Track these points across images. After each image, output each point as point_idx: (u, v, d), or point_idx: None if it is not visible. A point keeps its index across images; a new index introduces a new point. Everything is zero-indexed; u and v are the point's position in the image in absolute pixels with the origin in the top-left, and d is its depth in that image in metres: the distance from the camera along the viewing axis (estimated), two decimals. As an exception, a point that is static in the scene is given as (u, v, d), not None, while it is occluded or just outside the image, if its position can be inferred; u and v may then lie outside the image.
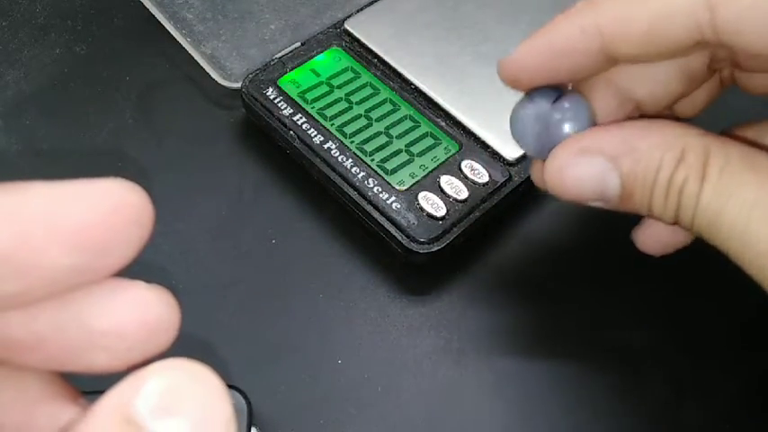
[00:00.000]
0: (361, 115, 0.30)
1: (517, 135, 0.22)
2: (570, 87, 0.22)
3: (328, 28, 0.33)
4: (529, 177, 0.29)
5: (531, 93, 0.22)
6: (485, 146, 0.29)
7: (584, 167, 0.20)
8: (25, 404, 0.13)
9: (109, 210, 0.12)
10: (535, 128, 0.21)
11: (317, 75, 0.31)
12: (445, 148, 0.29)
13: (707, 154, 0.19)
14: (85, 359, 0.13)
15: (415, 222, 0.27)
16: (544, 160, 0.21)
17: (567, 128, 0.21)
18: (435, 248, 0.27)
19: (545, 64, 0.20)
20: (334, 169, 0.29)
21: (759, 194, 0.18)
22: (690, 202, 0.19)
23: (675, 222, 0.19)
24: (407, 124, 0.30)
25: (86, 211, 0.12)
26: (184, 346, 0.28)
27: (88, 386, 0.14)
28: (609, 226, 0.31)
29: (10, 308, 0.12)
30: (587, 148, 0.20)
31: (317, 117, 0.30)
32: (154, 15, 0.35)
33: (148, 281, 0.13)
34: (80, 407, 0.14)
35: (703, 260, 0.30)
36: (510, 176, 0.29)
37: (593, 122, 0.21)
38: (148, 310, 0.13)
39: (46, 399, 0.13)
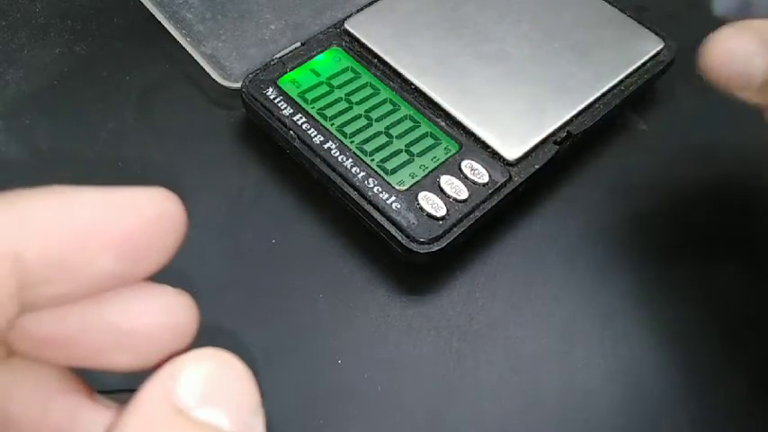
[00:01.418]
0: (361, 115, 0.30)
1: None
2: None
3: (328, 28, 0.33)
4: (529, 177, 0.29)
5: None
6: (485, 146, 0.29)
7: (736, 40, 0.20)
8: (42, 398, 0.13)
9: (153, 219, 0.13)
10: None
11: (317, 75, 0.31)
12: (445, 148, 0.29)
13: None
14: (110, 358, 0.13)
15: (415, 222, 0.27)
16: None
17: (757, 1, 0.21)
18: (435, 248, 0.27)
19: None
20: (334, 169, 0.29)
21: None
22: None
23: None
24: (407, 124, 0.30)
25: (134, 220, 0.13)
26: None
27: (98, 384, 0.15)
28: (609, 226, 0.31)
29: (50, 306, 0.12)
30: (748, 27, 0.20)
31: (317, 117, 0.30)
32: (154, 15, 0.35)
33: (172, 285, 0.14)
34: (96, 403, 0.14)
35: (701, 266, 0.30)
36: (510, 176, 0.29)
37: None
38: (172, 314, 0.14)
39: (63, 393, 0.14)
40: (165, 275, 0.29)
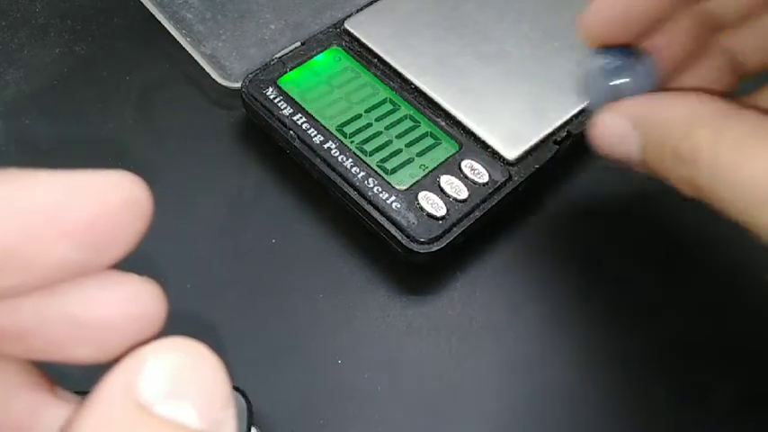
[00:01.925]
0: (361, 115, 0.30)
1: (582, 86, 0.23)
2: (642, 49, 0.22)
3: (328, 28, 0.33)
4: (529, 177, 0.29)
5: (604, 49, 0.22)
6: (485, 146, 0.29)
7: (610, 124, 0.22)
8: (1, 394, 0.13)
9: (116, 204, 0.12)
10: (597, 82, 0.22)
11: (317, 75, 0.31)
12: (445, 148, 0.29)
13: (723, 124, 0.19)
14: (71, 351, 0.12)
15: (415, 222, 0.27)
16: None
17: (623, 86, 0.22)
18: (435, 248, 0.27)
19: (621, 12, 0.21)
20: (334, 169, 0.29)
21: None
22: (703, 169, 0.19)
23: (689, 189, 0.20)
24: (407, 124, 0.30)
25: (95, 205, 0.12)
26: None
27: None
28: (609, 226, 0.31)
29: (2, 298, 0.12)
30: (618, 108, 0.21)
31: (317, 117, 0.30)
32: (154, 15, 0.35)
33: (140, 273, 0.13)
34: (58, 398, 0.13)
35: (702, 264, 0.30)
36: (510, 176, 0.29)
37: (656, 86, 0.22)
38: (137, 303, 0.13)
39: (23, 388, 0.13)
40: (165, 275, 0.29)
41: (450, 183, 0.28)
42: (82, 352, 0.12)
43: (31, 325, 0.12)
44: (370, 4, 0.34)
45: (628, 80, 0.22)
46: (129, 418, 0.11)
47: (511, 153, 0.29)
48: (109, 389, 0.11)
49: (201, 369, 0.12)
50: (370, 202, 0.28)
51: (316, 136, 0.29)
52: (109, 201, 0.12)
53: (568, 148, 0.30)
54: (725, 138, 0.19)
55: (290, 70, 0.31)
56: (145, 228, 0.13)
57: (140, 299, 0.13)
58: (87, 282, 0.12)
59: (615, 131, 0.21)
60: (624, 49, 0.22)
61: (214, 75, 0.33)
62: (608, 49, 0.22)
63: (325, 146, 0.29)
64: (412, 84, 0.31)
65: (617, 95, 0.22)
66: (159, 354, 0.12)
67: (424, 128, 0.30)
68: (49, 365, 0.14)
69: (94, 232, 0.12)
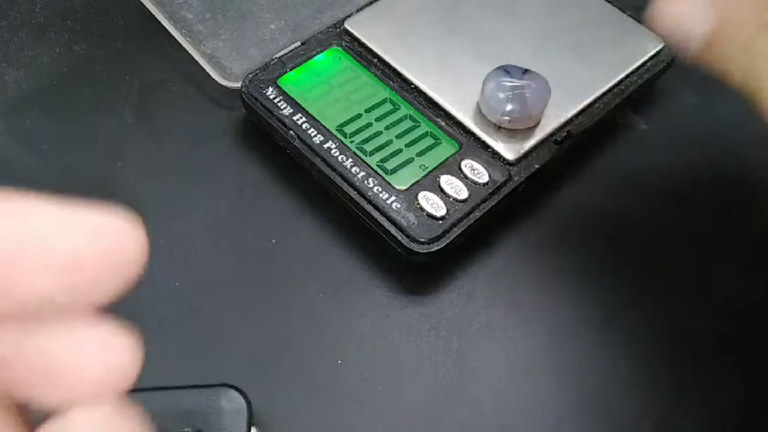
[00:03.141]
0: (361, 115, 0.30)
1: (487, 95, 0.29)
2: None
3: (328, 28, 0.33)
4: (529, 177, 0.29)
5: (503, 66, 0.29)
6: (485, 146, 0.29)
7: (684, 4, 0.22)
8: None
9: (110, 246, 0.12)
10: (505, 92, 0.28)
11: (317, 75, 0.31)
12: (445, 148, 0.29)
13: None
14: (37, 391, 0.12)
15: (415, 222, 0.27)
16: (499, 120, 0.29)
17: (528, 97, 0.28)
18: (435, 248, 0.27)
19: None
20: (334, 169, 0.28)
21: None
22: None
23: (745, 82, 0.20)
24: (407, 124, 0.30)
25: (87, 245, 0.11)
26: (185, 346, 0.28)
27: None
28: (609, 226, 0.31)
29: None
30: None
31: (317, 117, 0.30)
32: (154, 15, 0.35)
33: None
34: None
35: (700, 265, 0.30)
36: (510, 176, 0.29)
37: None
38: (113, 354, 0.12)
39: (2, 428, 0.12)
40: (165, 275, 0.29)
41: (450, 183, 0.28)
42: (52, 395, 0.12)
43: (3, 354, 0.12)
44: (370, 4, 0.34)
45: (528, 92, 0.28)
46: None
47: (511, 153, 0.29)
48: None
49: None
50: (370, 202, 0.28)
51: (316, 136, 0.29)
52: (100, 240, 0.11)
53: (568, 148, 0.30)
54: None
55: (290, 70, 0.31)
56: (135, 274, 0.12)
57: (115, 349, 0.12)
58: (68, 322, 0.12)
59: (686, 7, 0.21)
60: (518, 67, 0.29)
61: (214, 75, 0.33)
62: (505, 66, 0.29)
63: (326, 146, 0.29)
64: (412, 84, 0.31)
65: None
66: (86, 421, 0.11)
67: (424, 128, 0.30)
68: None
69: (81, 272, 0.11)
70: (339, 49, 0.32)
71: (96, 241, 0.11)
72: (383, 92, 0.31)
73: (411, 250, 0.27)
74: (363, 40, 0.32)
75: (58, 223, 0.11)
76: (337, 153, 0.29)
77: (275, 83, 0.31)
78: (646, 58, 0.32)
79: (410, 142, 0.29)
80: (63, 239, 0.11)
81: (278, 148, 0.31)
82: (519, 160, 0.29)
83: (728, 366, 0.27)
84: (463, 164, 0.29)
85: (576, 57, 0.32)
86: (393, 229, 0.27)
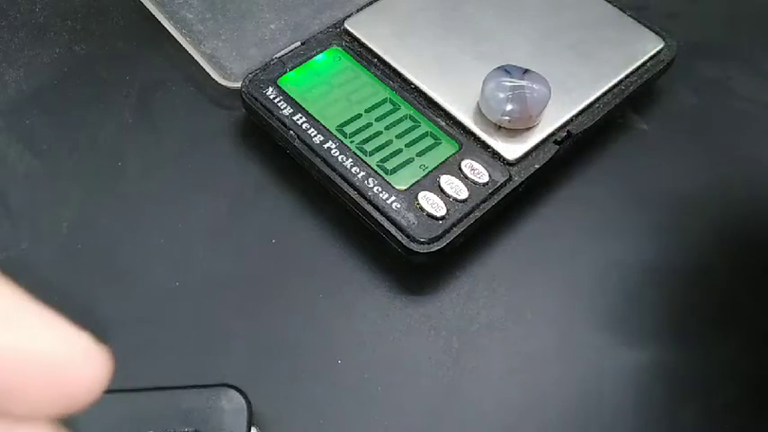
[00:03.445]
0: (361, 115, 0.30)
1: (487, 95, 0.29)
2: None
3: (328, 27, 0.33)
4: (529, 177, 0.29)
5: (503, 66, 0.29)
6: (485, 146, 0.29)
7: None
8: None
9: (66, 377, 0.11)
10: (505, 92, 0.28)
11: (317, 74, 0.31)
12: (445, 148, 0.29)
13: None
14: None
15: (415, 222, 0.27)
16: (499, 120, 0.29)
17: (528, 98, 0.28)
18: (435, 248, 0.27)
19: None
20: (334, 169, 0.28)
21: None
22: None
23: None
24: (407, 124, 0.30)
25: (42, 366, 0.11)
26: (185, 346, 0.28)
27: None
28: (609, 226, 0.31)
29: None
30: None
31: (317, 117, 0.30)
32: (154, 15, 0.35)
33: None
34: None
35: (700, 266, 0.30)
36: (510, 176, 0.29)
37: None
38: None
39: None
40: (165, 275, 0.29)
41: (450, 183, 0.28)
42: None
43: None
44: (370, 3, 0.34)
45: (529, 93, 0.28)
46: None
47: (511, 153, 0.29)
48: None
49: None
50: (370, 202, 0.28)
51: (316, 136, 0.29)
52: (60, 371, 0.11)
53: (568, 147, 0.30)
54: None
55: (290, 70, 0.31)
56: (84, 406, 0.12)
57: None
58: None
59: None
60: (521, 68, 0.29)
61: (214, 75, 0.33)
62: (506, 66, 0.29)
63: (326, 146, 0.29)
64: (412, 84, 0.31)
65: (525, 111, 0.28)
66: None
67: (424, 128, 0.30)
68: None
69: (23, 393, 0.11)
70: (339, 49, 0.32)
71: (55, 365, 0.11)
72: (383, 92, 0.31)
73: (411, 250, 0.27)
74: (363, 40, 0.32)
75: (26, 330, 0.11)
76: (337, 153, 0.29)
77: (275, 83, 0.31)
78: (646, 58, 0.32)
79: (410, 142, 0.29)
80: (23, 349, 0.11)
81: (278, 148, 0.31)
82: (519, 160, 0.29)
83: (734, 371, 0.27)
84: (463, 164, 0.29)
85: (576, 57, 0.32)
86: (393, 229, 0.27)
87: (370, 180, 0.28)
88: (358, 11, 0.34)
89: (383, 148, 0.29)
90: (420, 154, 0.29)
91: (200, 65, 0.33)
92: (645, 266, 0.29)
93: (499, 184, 0.28)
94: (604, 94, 0.31)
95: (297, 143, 0.29)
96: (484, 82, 0.29)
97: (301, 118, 0.30)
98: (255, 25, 0.35)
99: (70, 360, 0.11)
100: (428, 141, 0.30)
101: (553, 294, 0.29)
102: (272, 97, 0.30)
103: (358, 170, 0.28)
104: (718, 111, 0.34)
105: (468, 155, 0.29)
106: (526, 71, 0.29)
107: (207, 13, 0.35)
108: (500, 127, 0.29)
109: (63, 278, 0.28)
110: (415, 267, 0.29)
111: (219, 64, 0.34)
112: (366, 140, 0.29)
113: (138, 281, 0.28)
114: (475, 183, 0.28)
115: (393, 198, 0.28)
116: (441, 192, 0.28)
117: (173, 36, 0.34)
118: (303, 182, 0.31)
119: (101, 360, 0.12)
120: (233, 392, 0.23)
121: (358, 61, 0.32)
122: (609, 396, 0.26)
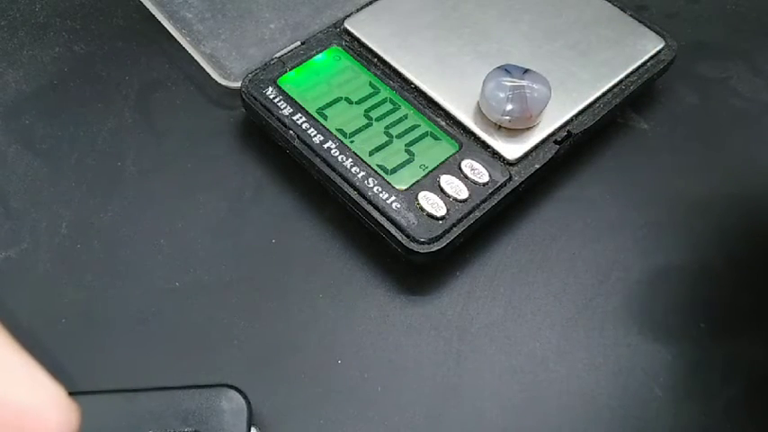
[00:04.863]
0: (361, 115, 0.30)
1: (487, 95, 0.29)
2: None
3: (328, 27, 0.33)
4: (529, 177, 0.29)
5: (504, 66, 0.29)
6: (485, 146, 0.29)
7: None
8: None
9: (30, 424, 0.12)
10: (505, 92, 0.28)
11: (317, 74, 0.31)
12: (445, 147, 0.29)
13: None
14: None
15: (415, 222, 0.27)
16: (500, 120, 0.29)
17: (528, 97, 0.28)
18: (435, 248, 0.27)
19: None
20: (334, 169, 0.28)
21: None
22: None
23: None
24: (407, 124, 0.30)
25: (7, 409, 0.11)
26: (185, 346, 0.28)
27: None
28: (609, 226, 0.31)
29: None
30: None
31: (316, 117, 0.30)
32: (154, 15, 0.35)
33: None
34: None
35: (700, 266, 0.30)
36: (510, 176, 0.29)
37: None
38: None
39: None
40: (165, 275, 0.29)
41: (450, 183, 0.28)
42: None
43: None
44: (370, 3, 0.34)
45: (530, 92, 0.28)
46: None
47: (511, 153, 0.29)
48: None
49: None
50: (370, 202, 0.28)
51: (316, 136, 0.29)
52: (24, 418, 0.12)
53: (568, 147, 0.30)
54: None
55: (290, 70, 0.31)
56: None
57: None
58: None
59: None
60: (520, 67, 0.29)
61: (214, 75, 0.33)
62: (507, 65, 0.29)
63: (325, 146, 0.29)
64: (412, 83, 0.31)
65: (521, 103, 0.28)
66: None
67: (424, 128, 0.30)
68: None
69: None
70: (339, 48, 0.32)
71: (9, 414, 0.11)
72: (383, 92, 0.31)
73: (411, 250, 0.27)
74: (363, 39, 0.32)
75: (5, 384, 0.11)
76: (337, 153, 0.29)
77: (275, 83, 0.31)
78: (646, 57, 0.32)
79: (410, 142, 0.29)
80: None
81: (278, 148, 0.31)
82: (519, 160, 0.29)
83: (730, 371, 0.27)
84: (463, 164, 0.29)
85: (576, 56, 0.32)
86: (393, 229, 0.27)
87: (370, 180, 0.28)
88: (358, 10, 0.34)
89: (383, 147, 0.29)
90: (420, 154, 0.29)
91: (199, 64, 0.33)
92: (645, 266, 0.29)
93: (499, 183, 0.28)
94: (604, 93, 0.31)
95: (297, 143, 0.29)
96: (484, 82, 0.29)
97: (301, 118, 0.30)
98: (255, 25, 0.35)
99: (36, 407, 0.12)
100: (428, 141, 0.30)
101: (553, 294, 0.29)
102: (271, 97, 0.30)
103: (358, 170, 0.28)
104: (718, 111, 0.34)
105: (468, 155, 0.29)
106: (526, 71, 0.29)
107: (207, 13, 0.35)
108: (500, 127, 0.29)
109: (63, 278, 0.28)
110: (415, 267, 0.29)
111: (219, 64, 0.34)
112: (366, 140, 0.29)
113: (137, 281, 0.28)
114: (475, 183, 0.28)
115: (393, 198, 0.28)
116: (441, 192, 0.28)
117: (172, 36, 0.34)
118: (303, 182, 0.31)
119: (68, 409, 0.12)
120: (233, 392, 0.23)
121: (358, 61, 0.32)
122: (609, 396, 0.26)
